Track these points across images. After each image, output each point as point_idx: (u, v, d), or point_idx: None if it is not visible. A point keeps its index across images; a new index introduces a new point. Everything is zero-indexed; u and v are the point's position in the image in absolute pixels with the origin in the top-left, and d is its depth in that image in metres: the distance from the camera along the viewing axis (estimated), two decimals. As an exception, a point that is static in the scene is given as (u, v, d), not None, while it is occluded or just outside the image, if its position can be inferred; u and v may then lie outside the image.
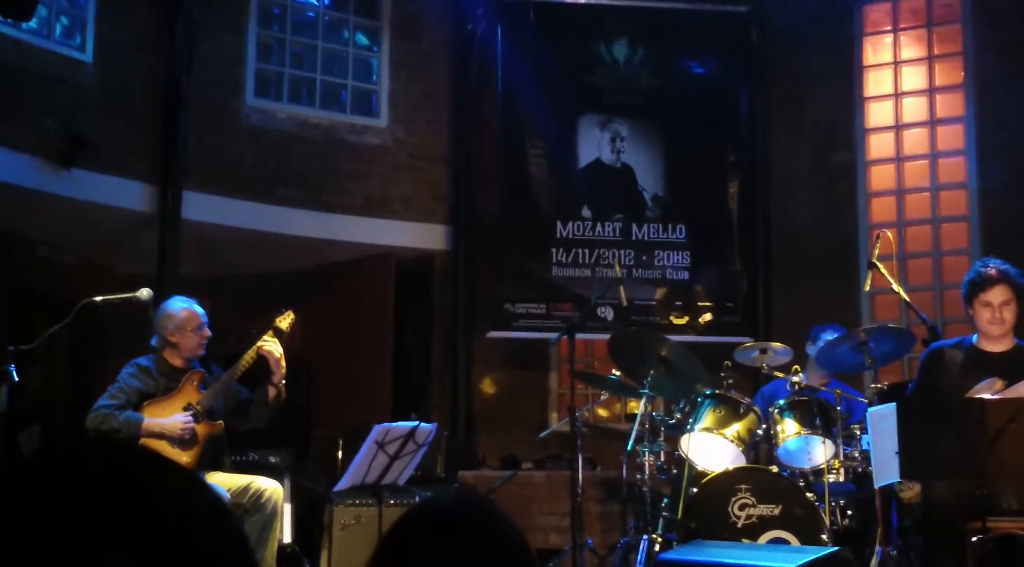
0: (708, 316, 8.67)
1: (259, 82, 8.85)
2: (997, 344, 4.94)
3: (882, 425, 4.37)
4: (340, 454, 6.60)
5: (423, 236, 9.18)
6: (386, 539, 1.66)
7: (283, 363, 5.63)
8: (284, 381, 5.66)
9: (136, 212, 7.95)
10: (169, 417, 5.41)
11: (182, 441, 5.40)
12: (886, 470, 4.39)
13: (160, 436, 5.34)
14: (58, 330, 5.35)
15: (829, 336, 6.20)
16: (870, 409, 4.73)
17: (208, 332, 5.68)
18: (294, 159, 8.75)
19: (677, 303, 8.85)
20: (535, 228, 8.93)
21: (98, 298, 5.47)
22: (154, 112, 8.09)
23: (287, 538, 6.06)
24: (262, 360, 5.62)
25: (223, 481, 5.39)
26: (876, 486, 4.82)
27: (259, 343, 5.60)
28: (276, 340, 5.64)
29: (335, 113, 9.14)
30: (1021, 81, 8.41)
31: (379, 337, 8.99)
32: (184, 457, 5.39)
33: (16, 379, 4.95)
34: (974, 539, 4.31)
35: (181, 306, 5.67)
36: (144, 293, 5.52)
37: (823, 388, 5.88)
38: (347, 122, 9.11)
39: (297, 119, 8.89)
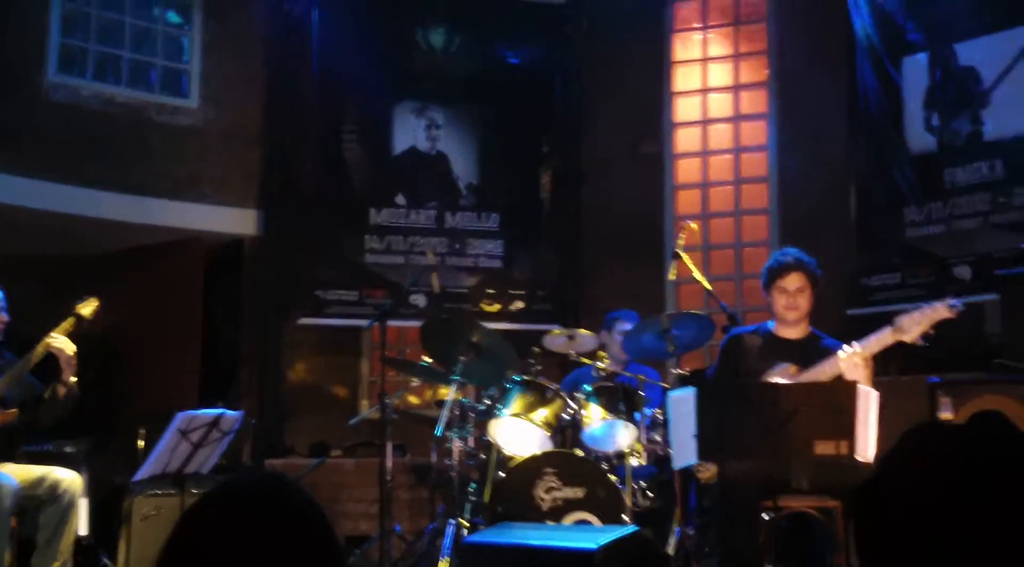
0: (520, 303, 8.78)
1: (63, 57, 8.47)
2: (792, 330, 5.14)
3: (681, 408, 4.48)
4: (142, 443, 6.40)
5: (234, 220, 8.97)
6: (183, 519, 1.62)
7: (74, 361, 5.40)
8: (75, 378, 5.43)
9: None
10: None
11: None
12: (685, 452, 4.50)
13: None
14: None
15: (623, 323, 6.40)
16: (670, 393, 4.86)
17: (5, 316, 5.44)
18: (100, 138, 8.42)
19: (490, 291, 8.94)
20: (349, 214, 8.88)
21: None
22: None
23: (83, 530, 5.84)
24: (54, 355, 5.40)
25: (16, 472, 5.18)
26: (675, 467, 4.96)
27: (47, 339, 5.35)
28: (64, 338, 5.40)
29: (143, 92, 8.84)
30: (818, 79, 8.78)
31: (187, 322, 8.75)
32: (-27, 448, 5.16)
33: None
34: (767, 517, 4.49)
35: None
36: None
37: (627, 374, 6.03)
38: (156, 101, 8.84)
39: (103, 97, 8.56)
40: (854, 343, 4.75)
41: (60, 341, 5.35)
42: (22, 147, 8.01)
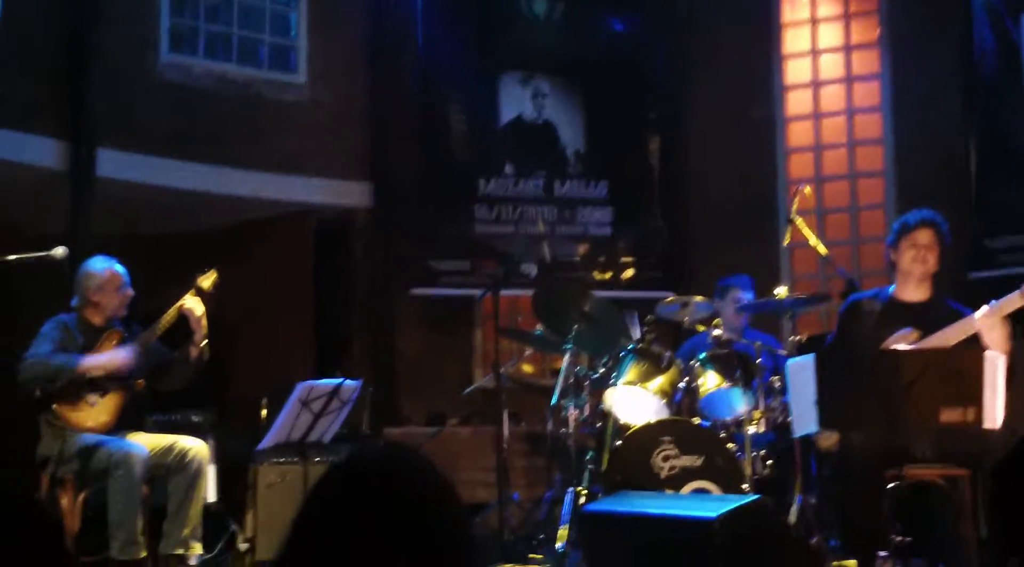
0: (630, 272, 8.75)
1: (174, 36, 8.64)
2: (915, 292, 5.04)
3: (801, 376, 4.43)
4: (264, 413, 6.55)
5: (344, 193, 9.08)
6: (314, 490, 1.65)
7: (204, 322, 5.58)
8: (206, 340, 5.60)
9: (47, 169, 7.73)
10: (105, 353, 5.33)
11: (99, 400, 5.31)
12: (805, 420, 4.47)
13: (103, 373, 5.29)
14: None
15: (737, 291, 6.36)
16: (789, 360, 4.81)
17: (131, 291, 5.62)
18: (210, 115, 8.57)
19: (600, 259, 8.92)
20: (457, 185, 8.92)
21: (11, 257, 5.35)
22: (66, 68, 7.86)
23: (211, 497, 6.01)
24: (183, 319, 5.57)
25: (146, 441, 5.34)
26: (795, 436, 4.92)
27: (180, 302, 5.54)
28: (198, 299, 5.59)
29: (253, 69, 8.97)
30: (932, 37, 8.55)
31: (299, 295, 8.92)
32: (104, 417, 5.33)
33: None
34: (890, 486, 4.42)
35: (103, 265, 5.59)
36: (59, 252, 5.41)
37: (744, 341, 5.98)
38: (265, 78, 8.96)
39: (213, 74, 8.71)
40: (991, 303, 4.64)
41: (191, 301, 5.54)
42: (136, 125, 8.19)
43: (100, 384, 5.35)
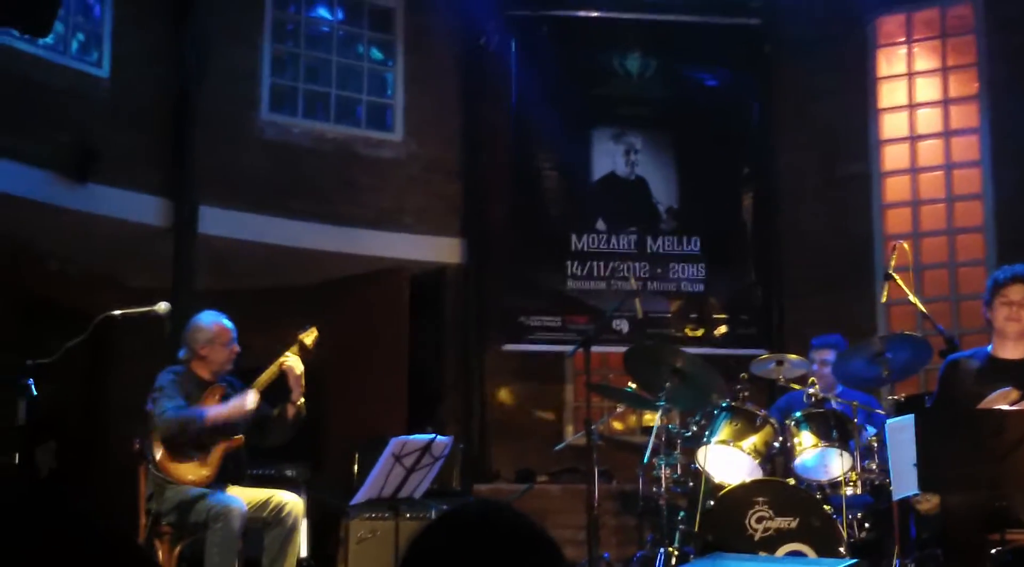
0: (723, 328, 8.66)
1: (274, 96, 8.88)
2: (1014, 350, 4.93)
3: (900, 437, 4.34)
4: (356, 467, 6.60)
5: (437, 249, 9.19)
6: (416, 544, 1.64)
7: (303, 381, 5.62)
8: (303, 399, 5.64)
9: (151, 226, 7.97)
10: (227, 403, 5.42)
11: (200, 454, 5.39)
12: (904, 482, 4.37)
13: (227, 423, 5.36)
14: (75, 344, 5.33)
15: (824, 353, 6.27)
16: (888, 421, 4.71)
17: (237, 347, 5.67)
18: (309, 173, 8.77)
19: (692, 315, 8.86)
20: (550, 241, 8.97)
21: (117, 312, 5.47)
22: (169, 127, 8.13)
23: (304, 552, 6.04)
24: (283, 376, 5.62)
25: (243, 495, 5.39)
26: (895, 498, 4.81)
27: (281, 359, 5.58)
28: (297, 357, 5.63)
29: (349, 127, 9.17)
30: (1035, 90, 8.41)
31: (393, 350, 8.99)
32: (204, 471, 5.39)
33: (35, 393, 4.97)
34: (992, 551, 4.30)
35: (212, 320, 5.65)
36: (162, 307, 5.53)
37: (840, 400, 5.87)
38: (361, 136, 9.14)
39: (312, 133, 8.92)
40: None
41: (292, 359, 5.58)
42: (236, 182, 8.41)
43: (203, 441, 5.41)
